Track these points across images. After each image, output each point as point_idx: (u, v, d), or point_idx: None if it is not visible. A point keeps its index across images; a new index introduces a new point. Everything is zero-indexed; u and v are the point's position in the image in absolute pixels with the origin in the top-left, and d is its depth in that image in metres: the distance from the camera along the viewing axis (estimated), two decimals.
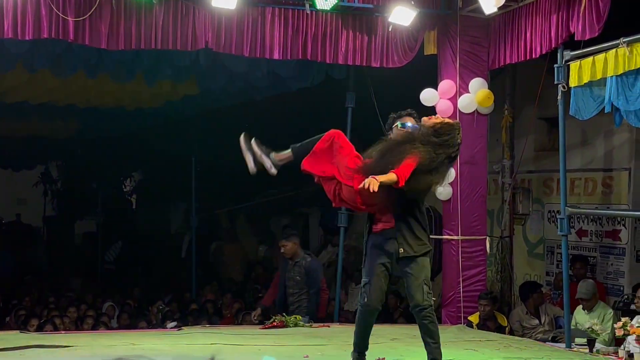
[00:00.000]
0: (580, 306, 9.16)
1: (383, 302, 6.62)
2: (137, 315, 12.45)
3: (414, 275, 6.39)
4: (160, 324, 11.51)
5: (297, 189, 16.49)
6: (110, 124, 15.52)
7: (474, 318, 9.85)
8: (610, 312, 9.02)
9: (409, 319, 11.20)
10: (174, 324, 10.91)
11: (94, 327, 11.10)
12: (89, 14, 8.80)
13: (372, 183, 5.85)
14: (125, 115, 14.23)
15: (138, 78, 11.40)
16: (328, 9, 9.56)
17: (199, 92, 12.40)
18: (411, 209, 6.40)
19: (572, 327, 8.96)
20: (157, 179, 19.60)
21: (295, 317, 9.56)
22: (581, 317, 9.02)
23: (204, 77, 11.42)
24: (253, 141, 6.72)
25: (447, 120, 6.52)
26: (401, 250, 6.39)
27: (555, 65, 8.71)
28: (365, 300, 6.52)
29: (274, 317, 9.55)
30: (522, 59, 9.59)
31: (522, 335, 9.56)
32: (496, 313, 9.88)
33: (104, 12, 8.90)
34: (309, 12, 9.64)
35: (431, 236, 7.53)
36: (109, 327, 11.33)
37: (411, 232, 6.39)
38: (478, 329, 9.65)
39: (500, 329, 9.65)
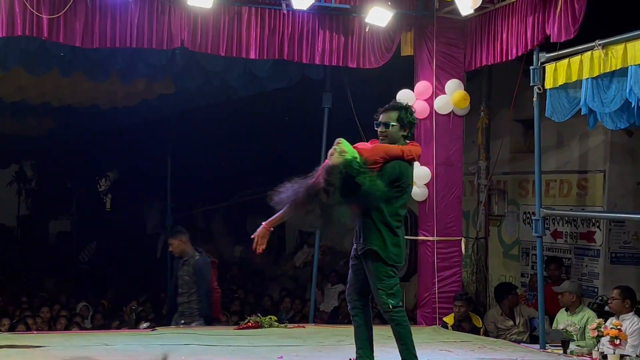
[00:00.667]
0: (564, 308, 9.16)
1: (355, 298, 6.62)
2: (111, 315, 12.37)
3: (371, 280, 6.41)
4: (135, 325, 11.43)
5: (273, 189, 16.40)
6: (85, 123, 15.40)
7: (449, 319, 9.85)
8: (593, 315, 8.89)
9: (384, 320, 11.19)
10: (146, 324, 10.83)
11: (67, 328, 11.03)
12: (64, 11, 8.72)
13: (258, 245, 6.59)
14: (100, 114, 14.11)
15: (113, 77, 11.30)
16: (305, 8, 9.53)
17: (174, 91, 12.32)
18: (367, 210, 6.28)
19: (553, 328, 8.99)
20: (132, 179, 19.50)
21: (270, 318, 9.52)
22: (563, 319, 9.03)
23: (180, 76, 11.34)
24: None
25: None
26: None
27: (531, 67, 8.73)
28: None
29: (248, 317, 9.50)
30: (498, 60, 9.60)
31: (497, 337, 9.56)
32: (471, 314, 9.88)
33: (79, 10, 8.83)
34: (285, 11, 9.61)
35: (406, 237, 7.51)
36: (82, 328, 11.26)
37: (358, 231, 6.39)
38: (453, 330, 9.66)
39: (475, 330, 9.66)
